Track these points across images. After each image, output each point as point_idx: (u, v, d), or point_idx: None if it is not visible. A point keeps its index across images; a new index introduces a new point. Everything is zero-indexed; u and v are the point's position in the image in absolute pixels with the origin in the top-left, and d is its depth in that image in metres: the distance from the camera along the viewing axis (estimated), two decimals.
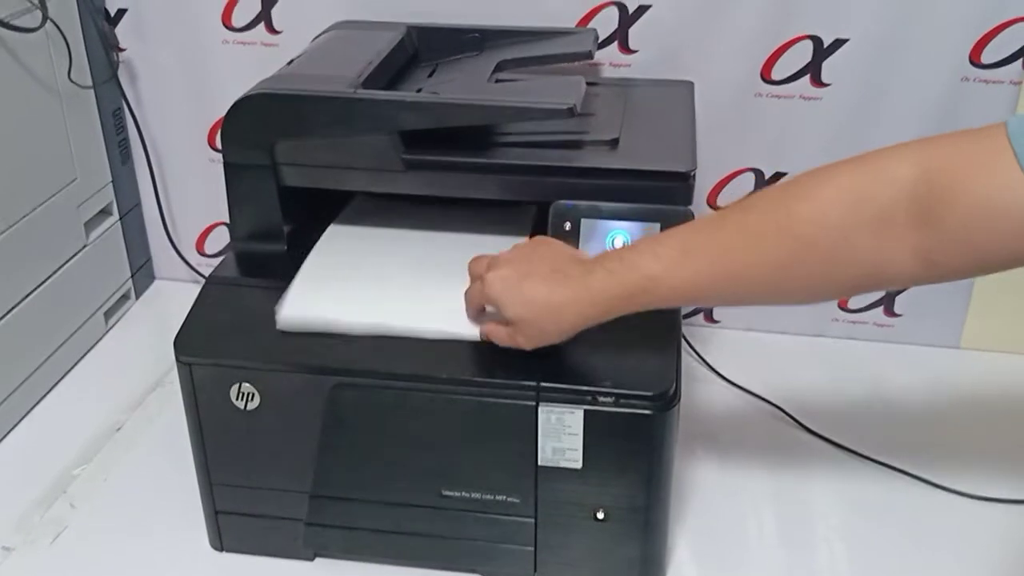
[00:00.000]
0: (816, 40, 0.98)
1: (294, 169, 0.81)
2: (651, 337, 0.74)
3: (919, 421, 1.00)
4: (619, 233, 0.76)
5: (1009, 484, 0.90)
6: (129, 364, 1.10)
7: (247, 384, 0.75)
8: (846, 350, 1.12)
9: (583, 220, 0.76)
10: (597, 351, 0.73)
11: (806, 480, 0.92)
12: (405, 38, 0.94)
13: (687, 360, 1.07)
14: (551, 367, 0.72)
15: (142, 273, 1.23)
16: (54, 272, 1.04)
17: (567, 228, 0.77)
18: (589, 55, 0.93)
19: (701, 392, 1.04)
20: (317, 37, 0.97)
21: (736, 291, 0.64)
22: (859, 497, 0.90)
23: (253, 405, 0.76)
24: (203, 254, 1.23)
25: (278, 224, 0.83)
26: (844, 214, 0.57)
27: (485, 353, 0.73)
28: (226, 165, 0.82)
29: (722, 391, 1.04)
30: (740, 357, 1.09)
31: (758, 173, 1.06)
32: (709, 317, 1.16)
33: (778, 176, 1.06)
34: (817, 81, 1.00)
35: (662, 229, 0.75)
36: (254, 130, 0.80)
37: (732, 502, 0.89)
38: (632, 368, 0.72)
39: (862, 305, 1.11)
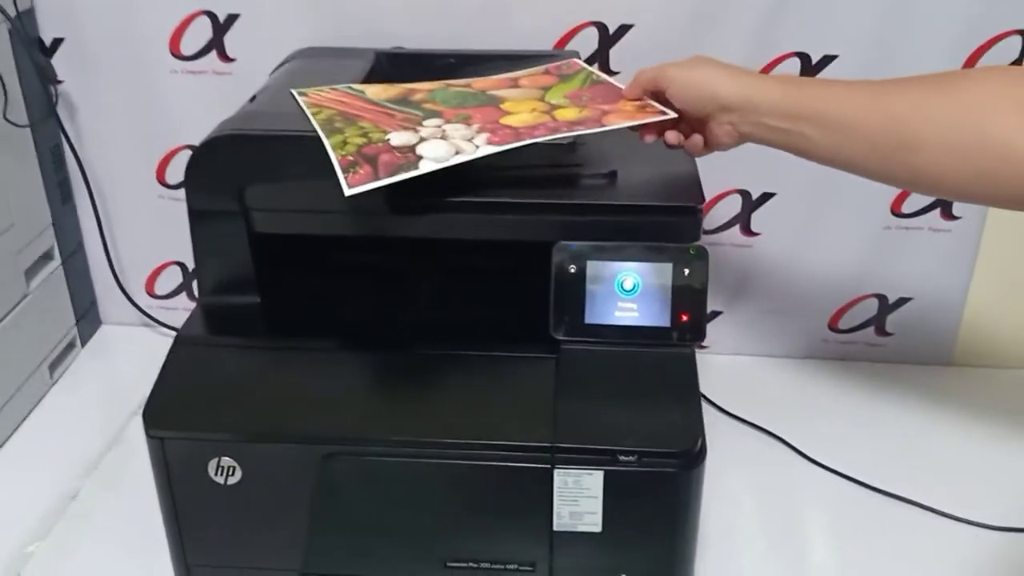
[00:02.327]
0: (804, 57, 0.95)
1: (266, 215, 0.75)
2: (670, 388, 0.69)
3: (914, 442, 0.98)
4: (628, 274, 0.71)
5: (1006, 508, 0.88)
6: (80, 421, 1.02)
7: (227, 458, 0.69)
8: (838, 371, 1.09)
9: (589, 262, 0.71)
10: (615, 406, 0.68)
11: (807, 509, 0.89)
12: (375, 66, 0.88)
13: None
14: (566, 425, 0.66)
15: (87, 319, 1.14)
16: None
17: (572, 270, 0.71)
18: None
19: None
20: (278, 67, 0.91)
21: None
22: (857, 523, 0.87)
23: (234, 480, 0.69)
24: (153, 296, 1.15)
25: (249, 274, 0.77)
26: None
27: (493, 413, 0.68)
28: (191, 212, 0.75)
29: (714, 419, 1.00)
30: (730, 382, 1.05)
31: (745, 195, 1.03)
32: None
33: (766, 197, 1.02)
34: None
35: (674, 268, 0.71)
36: (221, 174, 0.73)
37: (733, 540, 0.85)
38: (654, 423, 0.67)
39: (853, 325, 1.08)
